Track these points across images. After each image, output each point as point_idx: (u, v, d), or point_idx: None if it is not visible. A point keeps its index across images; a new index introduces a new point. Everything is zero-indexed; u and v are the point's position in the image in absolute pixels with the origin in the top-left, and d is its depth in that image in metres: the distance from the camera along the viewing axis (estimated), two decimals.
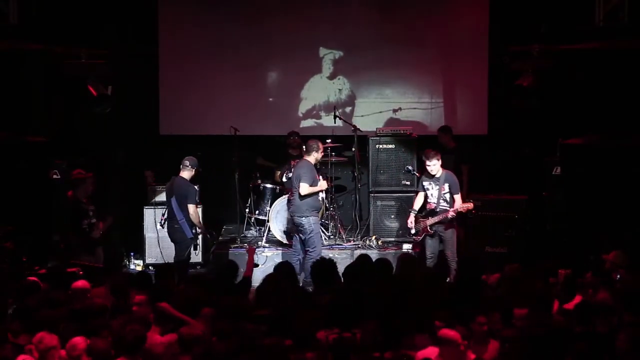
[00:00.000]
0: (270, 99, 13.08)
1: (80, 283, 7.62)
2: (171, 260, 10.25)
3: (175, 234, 10.06)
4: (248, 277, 8.65)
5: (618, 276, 8.02)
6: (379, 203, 11.75)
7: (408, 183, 11.65)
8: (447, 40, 12.77)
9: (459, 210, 9.98)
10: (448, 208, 10.09)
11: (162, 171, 11.38)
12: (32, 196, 10.34)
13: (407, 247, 11.17)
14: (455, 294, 7.31)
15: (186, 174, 10.07)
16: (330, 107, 12.44)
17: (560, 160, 10.70)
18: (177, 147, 11.82)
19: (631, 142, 9.97)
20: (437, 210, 10.14)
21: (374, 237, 11.50)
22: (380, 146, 11.71)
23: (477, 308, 6.57)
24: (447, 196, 10.15)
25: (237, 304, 6.96)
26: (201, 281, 7.98)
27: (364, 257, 8.71)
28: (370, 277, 7.91)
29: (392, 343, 6.15)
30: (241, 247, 11.38)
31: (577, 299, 7.31)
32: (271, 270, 8.54)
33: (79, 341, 6.06)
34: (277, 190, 11.82)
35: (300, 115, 13.07)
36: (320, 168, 10.92)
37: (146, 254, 11.46)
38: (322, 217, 11.04)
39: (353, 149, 11.82)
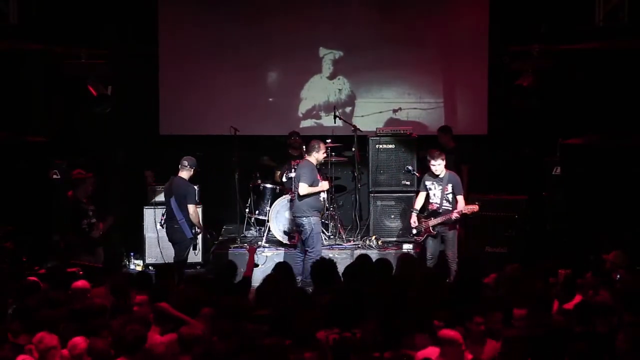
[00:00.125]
0: (270, 99, 13.08)
1: (80, 283, 7.62)
2: (171, 261, 10.25)
3: (175, 234, 10.05)
4: (248, 277, 8.65)
5: (618, 276, 8.02)
6: (379, 203, 11.74)
7: (408, 183, 11.65)
8: (447, 40, 12.77)
9: (464, 212, 9.97)
10: (451, 209, 10.08)
11: (162, 171, 11.37)
12: (32, 196, 10.34)
13: (407, 247, 11.17)
14: (455, 294, 7.30)
15: (185, 174, 10.07)
16: (330, 107, 12.44)
17: (560, 160, 10.70)
18: (177, 147, 11.81)
19: (631, 142, 9.97)
20: (440, 210, 10.14)
21: (374, 237, 11.50)
22: (380, 146, 11.71)
23: (475, 308, 6.56)
24: (450, 197, 10.15)
25: (237, 304, 6.96)
26: (201, 281, 7.98)
27: (363, 257, 8.71)
28: (370, 277, 7.91)
29: (392, 343, 6.14)
30: (241, 247, 11.38)
31: (577, 299, 7.30)
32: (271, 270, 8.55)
33: (80, 341, 6.07)
34: (277, 190, 11.82)
35: (300, 115, 13.07)
36: (320, 168, 10.92)
37: (146, 254, 11.45)
38: (322, 217, 11.03)
39: (353, 149, 11.82)
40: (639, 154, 9.95)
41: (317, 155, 10.38)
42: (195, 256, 10.73)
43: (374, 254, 10.65)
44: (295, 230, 11.02)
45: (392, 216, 11.69)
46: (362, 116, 12.86)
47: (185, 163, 10.08)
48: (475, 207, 9.99)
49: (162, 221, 10.25)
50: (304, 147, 11.47)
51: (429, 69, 12.90)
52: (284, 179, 11.76)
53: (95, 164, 11.27)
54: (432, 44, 12.82)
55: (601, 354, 5.83)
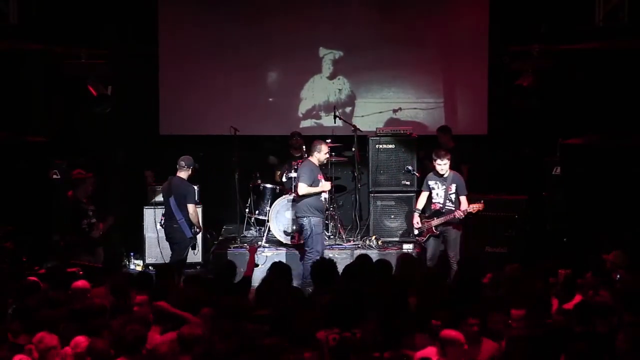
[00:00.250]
0: (270, 99, 13.08)
1: (80, 283, 7.62)
2: None
3: (174, 233, 10.05)
4: (248, 277, 8.64)
5: (618, 276, 8.02)
6: (379, 203, 11.74)
7: (408, 183, 11.65)
8: (447, 40, 12.77)
9: (470, 211, 9.97)
10: (454, 209, 10.08)
11: (162, 171, 11.36)
12: (32, 196, 10.34)
13: (407, 247, 11.17)
14: (454, 294, 7.30)
15: (183, 174, 10.07)
16: (330, 107, 12.43)
17: (560, 160, 10.70)
18: (177, 147, 11.80)
19: (631, 142, 9.97)
20: (443, 210, 10.13)
21: (373, 237, 11.49)
22: (380, 146, 11.70)
23: (472, 309, 6.56)
24: (453, 197, 10.15)
25: (237, 304, 6.96)
26: (201, 281, 7.98)
27: (363, 257, 8.71)
28: (369, 277, 7.91)
29: (392, 343, 6.14)
30: (241, 247, 11.38)
31: (577, 299, 7.30)
32: None
33: (83, 340, 6.08)
34: (277, 190, 11.83)
35: (300, 115, 13.07)
36: (321, 168, 10.91)
37: (146, 254, 11.45)
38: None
39: (353, 149, 11.82)
40: (639, 154, 9.95)
41: (318, 156, 10.38)
42: (194, 256, 10.73)
43: (374, 254, 10.66)
44: (295, 231, 11.03)
45: (392, 216, 11.69)
46: (362, 116, 12.86)
47: (183, 163, 10.08)
48: (480, 205, 9.99)
49: (162, 221, 10.25)
50: (304, 147, 11.49)
51: (429, 69, 12.90)
52: (284, 179, 11.76)
53: (95, 164, 11.27)
54: (432, 44, 12.82)
55: (601, 354, 5.83)
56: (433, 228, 10.17)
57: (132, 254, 11.69)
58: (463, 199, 10.11)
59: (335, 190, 12.05)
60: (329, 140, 11.44)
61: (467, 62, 12.71)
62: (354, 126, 11.89)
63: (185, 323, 6.58)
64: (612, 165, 10.09)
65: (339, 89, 13.01)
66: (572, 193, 10.54)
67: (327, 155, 10.59)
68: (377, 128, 12.00)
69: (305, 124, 13.05)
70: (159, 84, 12.69)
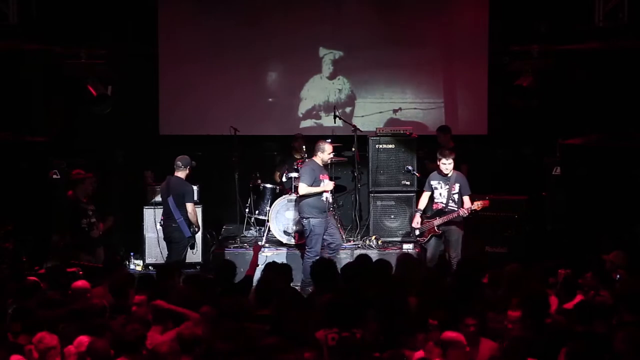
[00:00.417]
0: (270, 99, 13.07)
1: (80, 283, 7.61)
2: None
3: (173, 233, 10.04)
4: (250, 276, 8.63)
5: (618, 276, 8.02)
6: (378, 203, 11.74)
7: (408, 183, 11.65)
8: (447, 40, 12.77)
9: (474, 208, 9.97)
10: (456, 208, 10.08)
11: (161, 171, 11.35)
12: (32, 196, 10.34)
13: (407, 247, 11.16)
14: (453, 294, 7.30)
15: (181, 173, 10.07)
16: (330, 107, 12.43)
17: (560, 160, 10.70)
18: (177, 147, 11.76)
19: (631, 142, 9.97)
20: (446, 210, 10.13)
21: (373, 237, 11.49)
22: (380, 146, 11.70)
23: (469, 309, 6.55)
24: (456, 197, 10.15)
25: (238, 304, 6.95)
26: (201, 281, 7.97)
27: (362, 257, 8.70)
28: (369, 277, 7.90)
29: (392, 343, 6.14)
30: (241, 247, 11.39)
31: (577, 299, 7.30)
32: None
33: (86, 340, 6.08)
34: (277, 190, 11.82)
35: (300, 115, 13.06)
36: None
37: (146, 254, 11.44)
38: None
39: (353, 149, 11.81)
40: (639, 154, 9.95)
41: (322, 156, 10.38)
42: (193, 255, 10.72)
43: (374, 254, 10.65)
44: (297, 230, 11.03)
45: (392, 216, 11.69)
46: (362, 116, 12.86)
47: (179, 163, 10.08)
48: (485, 202, 9.99)
49: (162, 221, 10.25)
50: (304, 147, 11.49)
51: (429, 69, 12.90)
52: (284, 179, 11.76)
53: (95, 164, 11.27)
54: (432, 44, 12.82)
55: (601, 354, 5.83)
56: (435, 227, 10.16)
57: (132, 254, 11.68)
58: (466, 198, 10.11)
59: (335, 190, 12.04)
60: (329, 140, 11.44)
61: (467, 62, 12.70)
62: (354, 126, 11.88)
63: (185, 319, 6.58)
64: (612, 166, 10.09)
65: (339, 89, 13.00)
66: (572, 193, 10.54)
67: (331, 156, 10.58)
68: (377, 128, 11.99)
69: (305, 124, 13.04)
70: (159, 84, 12.69)
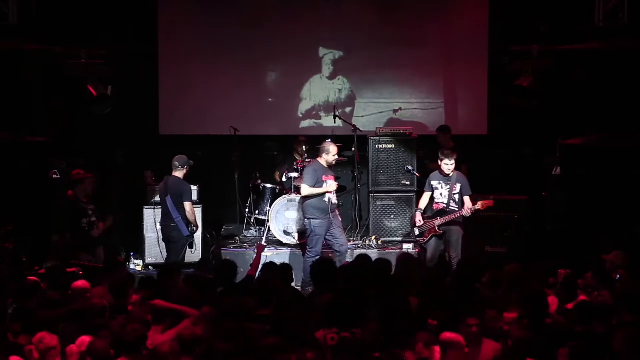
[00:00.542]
0: (270, 99, 13.07)
1: (80, 283, 7.61)
2: None
3: (172, 232, 10.05)
4: (251, 276, 8.63)
5: (618, 276, 8.02)
6: (378, 203, 11.73)
7: (408, 183, 11.65)
8: (447, 40, 12.76)
9: (478, 208, 9.96)
10: (457, 209, 10.08)
11: (161, 171, 11.36)
12: (32, 196, 10.34)
13: (407, 247, 11.15)
14: (452, 294, 7.30)
15: (179, 173, 10.08)
16: (330, 107, 12.42)
17: (560, 160, 10.70)
18: (177, 147, 11.75)
19: (631, 142, 9.97)
20: (447, 210, 10.13)
21: (373, 237, 11.48)
22: (380, 146, 11.70)
23: (470, 309, 6.55)
24: (457, 197, 10.14)
25: (238, 303, 6.95)
26: (200, 281, 7.97)
27: (362, 257, 8.70)
28: (369, 277, 7.90)
29: (392, 343, 6.14)
30: (241, 247, 11.39)
31: (578, 298, 7.30)
32: None
33: (87, 339, 6.08)
34: (277, 190, 11.83)
35: (300, 115, 13.06)
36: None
37: (146, 254, 11.44)
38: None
39: (353, 149, 11.80)
40: (639, 154, 9.96)
41: (326, 157, 10.39)
42: (192, 254, 10.71)
43: (373, 254, 10.64)
44: (298, 230, 11.04)
45: (392, 216, 11.68)
46: (362, 116, 12.86)
47: (177, 163, 10.09)
48: (489, 202, 9.99)
49: (161, 221, 10.24)
50: (304, 147, 11.49)
51: (429, 69, 12.89)
52: (284, 179, 11.76)
53: (95, 164, 11.27)
54: (432, 44, 12.82)
55: (601, 354, 5.83)
56: (436, 227, 10.15)
57: (132, 254, 11.68)
58: (467, 199, 10.11)
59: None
60: (329, 140, 11.44)
61: (467, 62, 12.70)
62: (354, 126, 11.88)
63: (184, 317, 6.58)
64: (612, 166, 10.10)
65: (339, 89, 13.00)
66: (572, 193, 10.55)
67: (336, 157, 10.55)
68: (377, 128, 11.99)
69: (305, 124, 13.04)
70: (159, 84, 12.68)
